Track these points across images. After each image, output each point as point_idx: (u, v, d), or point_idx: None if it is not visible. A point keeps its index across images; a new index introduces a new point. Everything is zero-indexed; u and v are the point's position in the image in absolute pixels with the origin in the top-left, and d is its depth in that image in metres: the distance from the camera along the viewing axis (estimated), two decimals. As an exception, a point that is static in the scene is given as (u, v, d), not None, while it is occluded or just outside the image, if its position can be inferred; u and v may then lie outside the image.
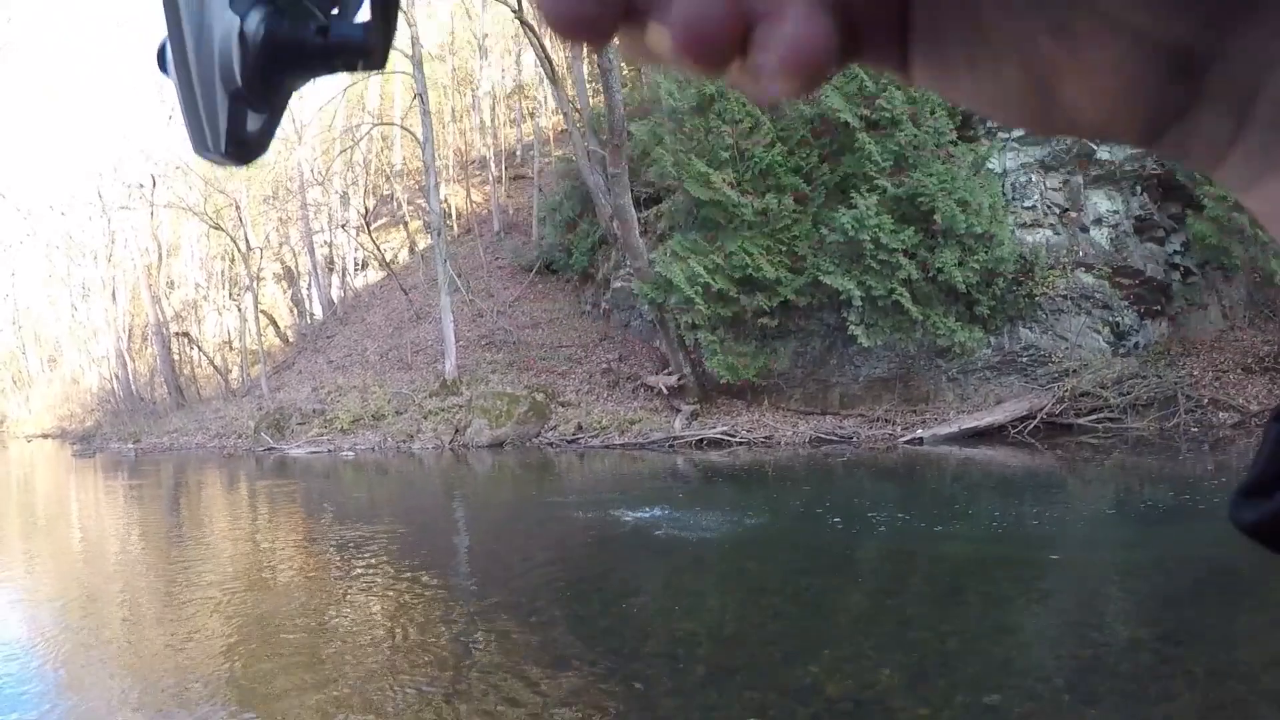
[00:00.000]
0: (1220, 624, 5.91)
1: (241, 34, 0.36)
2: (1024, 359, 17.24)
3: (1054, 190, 17.96)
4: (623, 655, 5.74)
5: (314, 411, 25.21)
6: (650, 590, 7.69)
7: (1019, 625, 6.30)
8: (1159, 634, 5.85)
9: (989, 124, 18.34)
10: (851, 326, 16.49)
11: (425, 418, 21.89)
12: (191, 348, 42.69)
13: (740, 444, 17.27)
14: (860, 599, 7.20)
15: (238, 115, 0.37)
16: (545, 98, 31.45)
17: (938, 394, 17.44)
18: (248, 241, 38.49)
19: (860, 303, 16.27)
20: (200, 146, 0.37)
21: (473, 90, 38.94)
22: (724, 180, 17.15)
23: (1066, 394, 16.53)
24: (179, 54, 0.36)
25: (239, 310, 39.42)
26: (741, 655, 5.68)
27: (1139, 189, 17.64)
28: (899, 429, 16.73)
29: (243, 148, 0.37)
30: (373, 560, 9.19)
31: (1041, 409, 16.40)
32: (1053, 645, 5.79)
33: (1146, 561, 7.82)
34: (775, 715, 4.67)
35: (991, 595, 7.01)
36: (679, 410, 18.43)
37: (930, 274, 16.09)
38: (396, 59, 33.61)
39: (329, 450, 22.21)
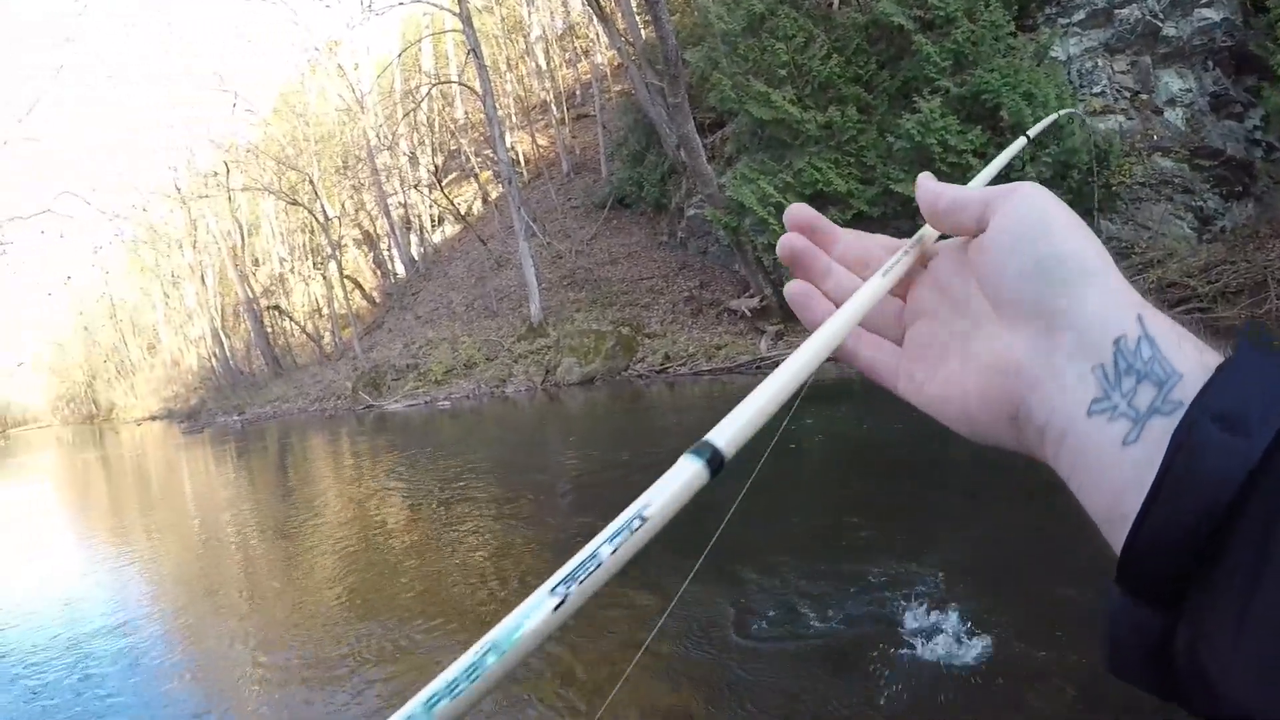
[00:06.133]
0: None
1: None
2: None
3: (1122, 73, 17.49)
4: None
5: (407, 366, 26.18)
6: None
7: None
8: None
9: (1048, 11, 17.95)
10: (927, 233, 16.49)
11: (516, 361, 22.36)
12: (283, 319, 44.20)
13: (829, 360, 17.21)
14: (955, 502, 7.48)
15: None
16: (598, 35, 31.42)
17: (1022, 290, 17.33)
18: (325, 212, 39.65)
19: (934, 208, 16.26)
20: None
21: (524, 37, 39.19)
22: (784, 98, 17.10)
23: (1153, 286, 16.19)
24: None
25: (324, 278, 40.75)
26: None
27: (1211, 64, 17.01)
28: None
29: None
30: (480, 500, 9.34)
31: (1127, 302, 16.15)
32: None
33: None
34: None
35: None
36: (764, 332, 18.52)
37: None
38: (445, 17, 33.96)
39: (425, 402, 22.91)
